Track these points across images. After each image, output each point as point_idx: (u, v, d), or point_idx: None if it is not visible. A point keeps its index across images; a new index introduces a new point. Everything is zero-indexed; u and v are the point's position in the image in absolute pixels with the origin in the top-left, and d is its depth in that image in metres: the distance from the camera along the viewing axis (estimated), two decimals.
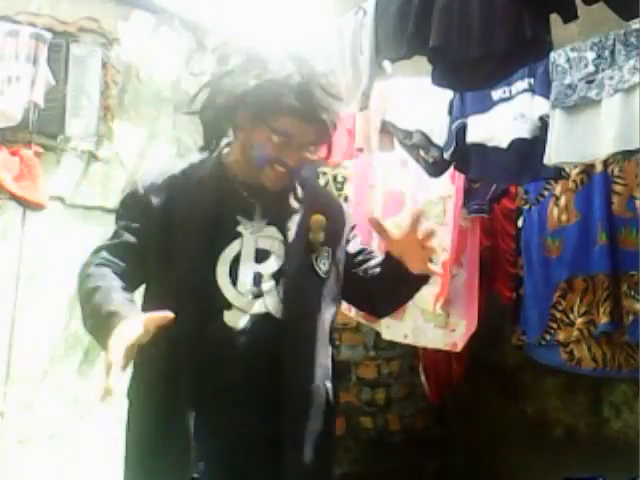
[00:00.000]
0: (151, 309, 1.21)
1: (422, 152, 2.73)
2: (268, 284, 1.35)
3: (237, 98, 1.33)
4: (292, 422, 1.33)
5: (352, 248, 1.54)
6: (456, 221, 3.08)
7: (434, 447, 4.04)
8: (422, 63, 2.07)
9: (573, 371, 2.91)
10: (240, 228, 1.37)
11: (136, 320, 1.14)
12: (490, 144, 2.46)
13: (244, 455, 1.30)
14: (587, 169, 2.76)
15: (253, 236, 1.37)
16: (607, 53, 2.11)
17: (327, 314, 1.46)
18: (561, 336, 2.86)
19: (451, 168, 2.75)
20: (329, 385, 1.47)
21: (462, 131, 2.53)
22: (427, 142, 2.66)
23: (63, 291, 3.08)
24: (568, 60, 2.21)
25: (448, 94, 2.57)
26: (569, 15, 1.72)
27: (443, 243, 3.12)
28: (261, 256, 1.37)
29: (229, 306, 1.32)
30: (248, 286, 1.33)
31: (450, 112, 2.61)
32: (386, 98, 2.80)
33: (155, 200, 1.36)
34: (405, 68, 2.45)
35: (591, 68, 2.14)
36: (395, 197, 3.35)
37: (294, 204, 1.44)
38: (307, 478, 1.34)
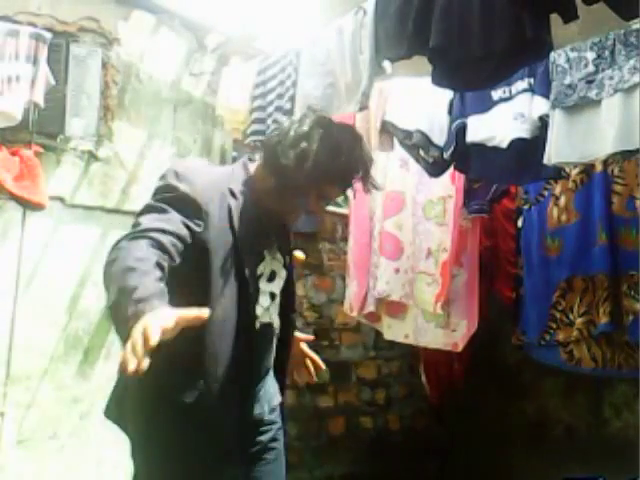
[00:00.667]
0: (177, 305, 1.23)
1: (422, 152, 2.73)
2: (276, 300, 1.63)
3: (306, 171, 1.51)
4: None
5: None
6: (456, 221, 3.08)
7: (434, 447, 4.04)
8: (422, 63, 2.07)
9: (573, 371, 2.91)
10: (265, 252, 1.60)
11: (169, 312, 1.16)
12: (490, 144, 2.46)
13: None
14: (587, 169, 2.76)
15: (270, 258, 1.61)
16: (607, 53, 2.11)
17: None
18: (561, 336, 2.87)
19: (451, 168, 2.76)
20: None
21: (462, 131, 2.54)
22: (427, 142, 2.66)
23: (63, 291, 3.08)
24: (568, 60, 2.21)
25: (448, 94, 2.57)
26: (569, 15, 1.72)
27: (443, 243, 3.13)
28: (272, 276, 1.61)
29: (255, 311, 1.57)
30: (266, 303, 1.59)
31: (450, 112, 2.61)
32: (386, 98, 2.80)
33: (207, 207, 1.47)
34: (405, 68, 2.46)
35: (591, 68, 2.14)
36: (395, 197, 3.35)
37: (289, 237, 1.72)
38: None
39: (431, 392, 3.92)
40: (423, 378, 3.93)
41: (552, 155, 2.20)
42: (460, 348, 3.13)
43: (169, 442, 1.49)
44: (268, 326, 1.60)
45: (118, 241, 1.38)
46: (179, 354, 1.30)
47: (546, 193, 2.97)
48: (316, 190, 1.55)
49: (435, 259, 3.16)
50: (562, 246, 2.89)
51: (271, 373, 1.68)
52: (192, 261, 1.42)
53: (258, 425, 1.63)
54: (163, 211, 1.43)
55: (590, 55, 2.15)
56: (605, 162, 2.67)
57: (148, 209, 1.47)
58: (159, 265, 1.31)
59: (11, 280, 2.91)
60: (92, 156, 3.19)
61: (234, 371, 1.49)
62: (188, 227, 1.42)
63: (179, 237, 1.39)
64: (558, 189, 2.90)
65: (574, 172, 2.81)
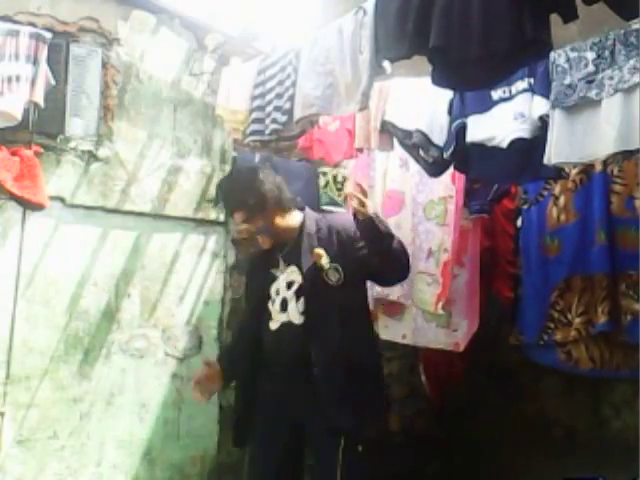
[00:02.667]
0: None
1: (422, 152, 2.73)
2: (291, 303, 2.20)
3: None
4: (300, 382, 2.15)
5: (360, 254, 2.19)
6: (457, 221, 3.08)
7: (434, 447, 4.04)
8: (422, 63, 2.07)
9: (570, 372, 2.91)
10: (277, 273, 2.27)
11: None
12: (490, 144, 2.46)
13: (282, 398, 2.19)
14: (586, 169, 2.76)
15: (284, 275, 2.25)
16: (607, 53, 2.11)
17: (348, 301, 2.17)
18: (559, 336, 2.86)
19: (451, 168, 2.76)
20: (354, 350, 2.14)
21: (462, 131, 2.53)
22: (427, 142, 2.66)
23: (63, 291, 3.08)
24: (568, 60, 2.21)
25: (448, 94, 2.57)
26: (569, 15, 1.72)
27: (444, 243, 3.12)
28: (290, 285, 2.22)
29: (271, 317, 2.24)
30: (277, 306, 2.23)
31: (450, 112, 2.60)
32: (386, 98, 2.80)
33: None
34: (405, 68, 2.46)
35: (591, 68, 2.14)
36: (395, 197, 3.35)
37: (302, 246, 2.21)
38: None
39: (431, 392, 3.91)
40: (423, 378, 3.92)
41: (552, 155, 2.20)
42: (462, 348, 3.13)
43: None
44: (287, 324, 2.19)
45: None
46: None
47: (545, 193, 2.97)
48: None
49: (436, 259, 3.16)
50: (561, 246, 2.89)
51: None
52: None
53: None
54: None
55: (590, 55, 2.15)
56: (605, 162, 2.66)
57: None
58: None
59: (11, 280, 2.91)
60: (92, 156, 3.20)
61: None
62: None
63: None
64: (557, 189, 2.90)
65: (573, 172, 2.81)
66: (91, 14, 3.21)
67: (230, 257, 3.68)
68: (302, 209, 2.36)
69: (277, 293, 2.23)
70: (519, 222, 3.13)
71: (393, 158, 3.29)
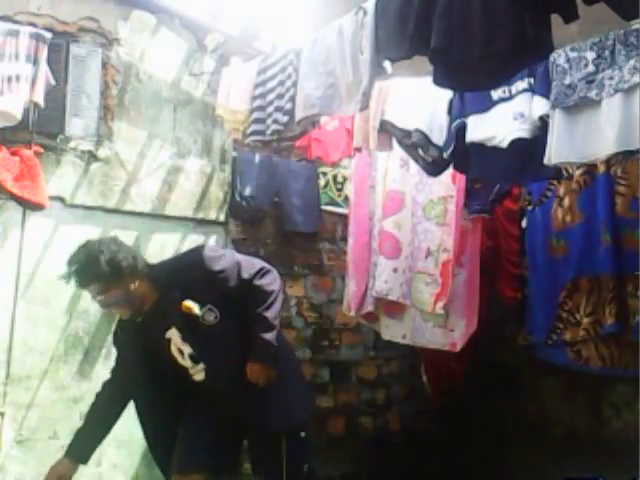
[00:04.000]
0: None
1: (421, 151, 2.73)
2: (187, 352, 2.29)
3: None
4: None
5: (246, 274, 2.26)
6: (457, 221, 3.08)
7: (434, 447, 4.04)
8: (422, 63, 2.07)
9: (581, 370, 2.90)
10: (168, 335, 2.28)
11: None
12: (490, 144, 2.46)
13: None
14: (590, 170, 2.76)
15: (176, 335, 2.27)
16: (607, 53, 2.11)
17: (234, 330, 2.26)
18: (568, 336, 2.86)
19: (451, 168, 2.75)
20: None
21: (462, 131, 2.53)
22: (426, 141, 2.66)
23: (63, 291, 3.08)
24: (568, 60, 2.20)
25: (448, 94, 2.57)
26: (570, 15, 1.72)
27: (444, 243, 3.12)
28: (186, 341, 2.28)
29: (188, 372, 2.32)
30: (188, 361, 2.29)
31: (450, 112, 2.60)
32: (385, 97, 2.80)
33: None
34: (405, 68, 2.45)
35: (591, 68, 2.14)
36: (395, 197, 3.35)
37: (168, 309, 2.23)
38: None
39: (432, 392, 3.92)
40: (424, 378, 3.93)
41: (552, 155, 2.20)
42: (458, 348, 3.12)
43: None
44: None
45: None
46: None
47: (549, 194, 2.97)
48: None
49: (435, 259, 3.16)
50: (568, 247, 2.89)
51: None
52: None
53: None
54: None
55: (590, 55, 2.15)
56: (608, 163, 2.66)
57: None
58: None
59: (11, 280, 2.91)
60: (92, 156, 3.19)
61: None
62: None
63: None
64: (562, 190, 2.90)
65: (577, 173, 2.81)
66: (91, 14, 3.21)
67: None
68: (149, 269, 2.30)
69: (179, 351, 2.27)
70: (524, 223, 3.12)
71: (394, 158, 3.29)
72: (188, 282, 2.23)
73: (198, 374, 2.29)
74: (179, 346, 2.27)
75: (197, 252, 2.38)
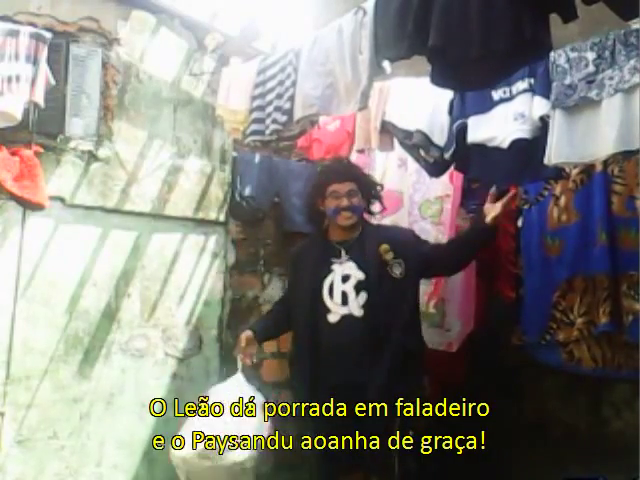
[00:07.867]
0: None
1: (422, 152, 2.73)
2: (351, 296, 2.44)
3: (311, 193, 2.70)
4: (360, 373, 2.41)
5: (426, 248, 2.57)
6: (453, 220, 3.08)
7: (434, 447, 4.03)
8: (422, 63, 2.07)
9: (573, 371, 2.91)
10: (333, 266, 2.51)
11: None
12: (491, 144, 2.46)
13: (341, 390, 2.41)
14: (587, 169, 2.76)
15: (340, 268, 2.49)
16: (607, 53, 2.11)
17: (408, 295, 2.48)
18: (561, 336, 2.86)
19: (451, 168, 2.75)
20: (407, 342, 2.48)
21: (462, 131, 2.53)
22: (427, 142, 2.66)
23: (63, 291, 3.08)
24: (568, 60, 2.20)
25: (448, 94, 2.57)
26: (569, 15, 1.72)
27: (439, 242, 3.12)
28: (345, 279, 2.46)
29: (329, 310, 2.47)
30: (338, 299, 2.45)
31: (450, 112, 2.61)
32: (386, 98, 2.80)
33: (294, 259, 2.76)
34: (405, 68, 2.46)
35: (591, 68, 2.14)
36: (393, 196, 3.35)
37: (365, 244, 2.49)
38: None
39: (432, 392, 3.91)
40: (425, 378, 3.91)
41: (552, 155, 2.20)
42: (455, 348, 3.12)
43: None
44: (347, 316, 2.44)
45: None
46: None
47: (546, 193, 2.96)
48: (326, 196, 2.60)
49: None
50: (562, 246, 2.89)
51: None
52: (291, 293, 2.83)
53: None
54: None
55: (590, 55, 2.15)
56: (605, 162, 2.66)
57: None
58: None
59: (11, 280, 2.91)
60: (92, 156, 3.19)
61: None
62: None
63: None
64: (558, 189, 2.90)
65: (574, 172, 2.81)
66: (91, 14, 3.21)
67: (230, 257, 3.68)
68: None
69: (331, 286, 2.46)
70: (519, 222, 3.12)
71: (392, 158, 3.29)
72: (394, 235, 2.57)
73: (334, 315, 2.44)
74: (333, 279, 2.47)
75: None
